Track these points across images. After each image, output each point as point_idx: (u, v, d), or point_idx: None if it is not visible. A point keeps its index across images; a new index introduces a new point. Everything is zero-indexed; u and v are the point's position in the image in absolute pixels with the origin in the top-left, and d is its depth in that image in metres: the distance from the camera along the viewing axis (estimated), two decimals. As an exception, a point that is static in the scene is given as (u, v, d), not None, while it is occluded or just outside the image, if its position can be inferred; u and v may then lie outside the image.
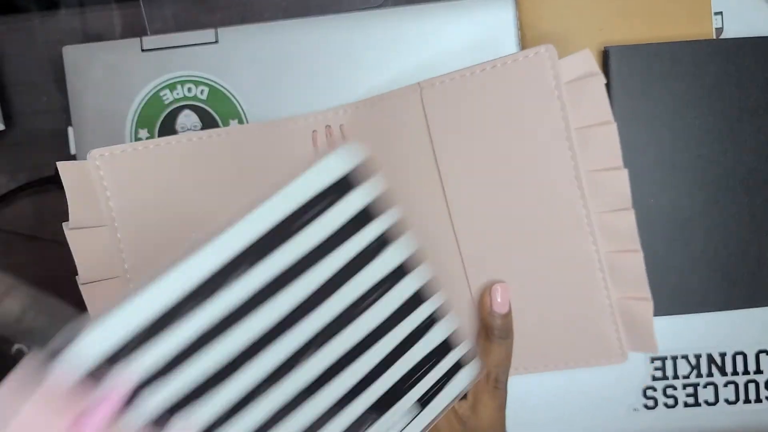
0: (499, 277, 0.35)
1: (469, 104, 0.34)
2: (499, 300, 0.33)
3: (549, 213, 0.33)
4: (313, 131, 0.37)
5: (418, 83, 0.35)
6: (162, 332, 0.18)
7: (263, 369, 0.21)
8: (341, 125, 0.37)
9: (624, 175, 0.32)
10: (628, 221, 0.33)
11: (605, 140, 0.32)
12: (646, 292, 0.33)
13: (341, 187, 0.23)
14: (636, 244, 0.33)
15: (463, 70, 0.33)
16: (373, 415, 0.25)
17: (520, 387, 0.40)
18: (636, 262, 0.33)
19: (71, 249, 0.31)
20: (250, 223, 0.20)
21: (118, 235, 0.33)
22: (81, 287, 0.32)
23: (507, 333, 0.33)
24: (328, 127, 0.37)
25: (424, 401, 0.27)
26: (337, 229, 0.23)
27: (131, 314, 0.18)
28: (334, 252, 0.22)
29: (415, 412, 0.27)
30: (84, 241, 0.32)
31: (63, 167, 0.31)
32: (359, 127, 0.37)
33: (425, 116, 0.34)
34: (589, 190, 0.33)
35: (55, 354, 0.17)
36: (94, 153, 0.33)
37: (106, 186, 0.33)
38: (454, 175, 0.34)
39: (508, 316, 0.33)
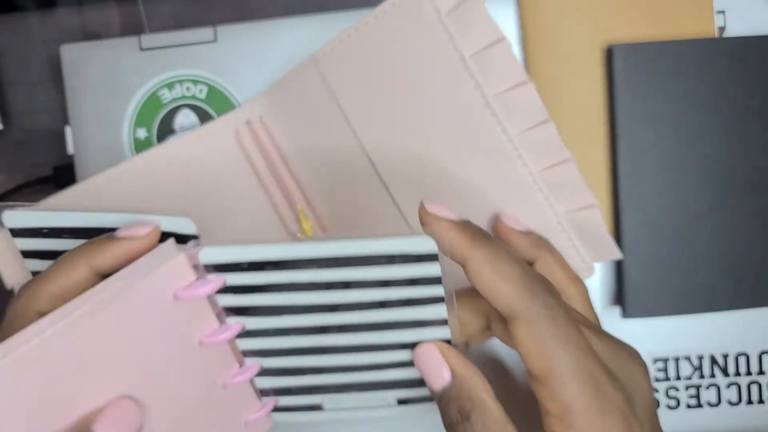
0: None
1: (365, 61, 0.34)
2: (516, 224, 0.32)
3: (471, 147, 0.33)
4: (236, 130, 0.37)
5: (312, 56, 0.35)
6: (256, 272, 0.25)
7: (306, 322, 0.27)
8: (260, 117, 0.37)
9: (531, 88, 0.32)
10: (549, 133, 0.32)
11: (502, 59, 0.32)
12: (591, 198, 0.33)
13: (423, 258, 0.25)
14: (564, 153, 0.32)
15: (348, 29, 0.34)
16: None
17: (519, 385, 0.40)
18: (570, 172, 0.32)
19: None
20: (351, 244, 0.25)
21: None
22: None
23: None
24: (248, 122, 0.37)
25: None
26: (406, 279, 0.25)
27: (244, 251, 0.24)
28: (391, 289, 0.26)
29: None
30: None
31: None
32: (276, 114, 0.37)
33: (328, 86, 0.35)
34: (502, 114, 0.32)
35: (189, 248, 0.24)
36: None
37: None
38: (371, 135, 0.35)
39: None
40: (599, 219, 0.33)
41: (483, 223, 0.34)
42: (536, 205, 0.33)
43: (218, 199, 0.36)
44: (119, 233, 0.25)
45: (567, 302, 0.28)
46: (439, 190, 0.34)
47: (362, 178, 0.35)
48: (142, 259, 0.24)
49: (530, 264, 0.31)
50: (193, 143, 0.36)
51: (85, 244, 0.26)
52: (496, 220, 0.33)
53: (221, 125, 0.37)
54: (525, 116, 0.32)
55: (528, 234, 0.32)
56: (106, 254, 0.25)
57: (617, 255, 0.33)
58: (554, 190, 0.33)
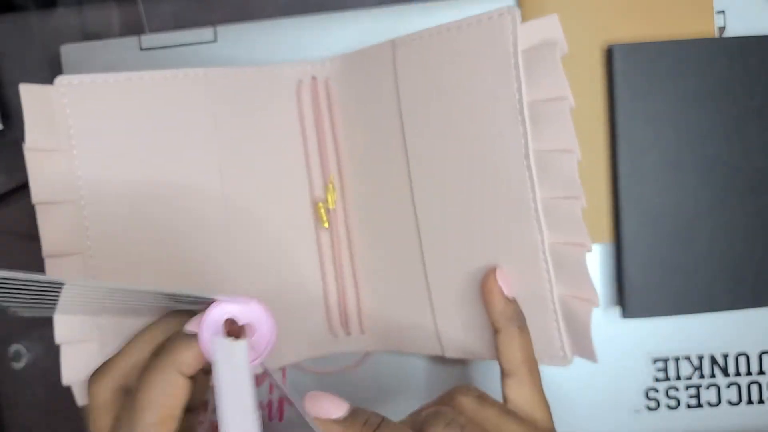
0: (451, 254, 0.33)
1: (436, 67, 0.32)
2: (506, 286, 0.31)
3: (496, 192, 0.31)
4: (299, 81, 0.36)
5: (392, 41, 0.34)
6: None
7: None
8: (327, 79, 0.37)
9: (573, 159, 0.29)
10: (574, 211, 0.30)
11: (558, 118, 0.29)
12: (591, 292, 0.30)
13: None
14: (583, 236, 0.30)
15: (436, 27, 0.32)
16: None
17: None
18: (580, 257, 0.30)
19: (28, 170, 0.31)
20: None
21: (76, 162, 0.32)
22: (37, 209, 0.31)
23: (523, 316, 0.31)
24: (314, 78, 0.37)
25: None
26: None
27: None
28: None
29: None
30: (41, 164, 0.31)
31: (25, 89, 0.31)
32: (342, 83, 0.36)
33: (396, 77, 0.34)
34: (537, 173, 0.30)
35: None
36: (61, 79, 0.32)
37: (68, 113, 0.32)
38: (416, 137, 0.34)
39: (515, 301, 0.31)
40: (589, 316, 0.30)
41: (476, 270, 0.33)
42: (536, 275, 0.31)
43: (256, 137, 0.36)
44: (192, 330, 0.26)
45: (515, 385, 0.30)
46: (457, 219, 0.33)
47: (394, 175, 0.35)
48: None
49: (495, 331, 0.31)
50: (248, 79, 0.36)
51: (167, 343, 0.26)
52: (489, 271, 0.31)
53: (287, 71, 0.36)
54: (558, 184, 0.30)
55: (509, 302, 0.31)
56: (187, 353, 0.25)
57: (593, 359, 0.31)
58: (558, 267, 0.31)
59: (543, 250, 0.31)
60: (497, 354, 0.30)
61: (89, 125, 0.32)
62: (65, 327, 0.32)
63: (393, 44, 0.34)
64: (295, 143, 0.37)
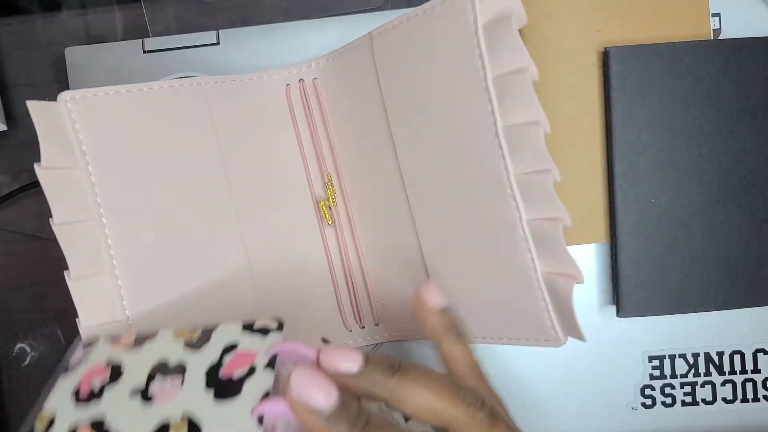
0: (441, 240, 0.34)
1: (409, 52, 0.32)
2: (433, 298, 0.29)
3: (472, 173, 0.31)
4: (287, 85, 0.37)
5: (370, 33, 0.34)
6: None
7: None
8: (314, 79, 0.37)
9: (540, 131, 0.28)
10: (547, 184, 0.29)
11: (522, 90, 0.28)
12: (572, 267, 0.29)
13: None
14: (558, 209, 0.29)
15: (406, 14, 0.32)
16: None
17: (517, 385, 0.41)
18: (556, 231, 0.29)
19: (44, 190, 0.30)
20: None
21: (92, 179, 0.32)
22: (56, 230, 0.31)
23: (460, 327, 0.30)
24: (301, 81, 0.37)
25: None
26: None
27: None
28: None
29: None
30: (58, 183, 0.31)
31: (34, 106, 0.30)
32: (328, 81, 0.37)
33: (375, 67, 0.34)
34: (508, 149, 0.29)
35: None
36: (64, 95, 0.32)
37: (78, 129, 0.32)
38: (400, 126, 0.34)
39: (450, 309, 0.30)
40: (570, 293, 0.29)
41: (458, 252, 0.33)
42: (520, 255, 0.30)
43: (252, 146, 0.37)
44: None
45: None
46: (442, 211, 0.33)
47: (385, 166, 0.35)
48: None
49: (438, 345, 0.29)
50: (240, 87, 0.36)
51: None
52: (416, 291, 0.30)
53: (275, 77, 0.37)
54: (528, 158, 0.29)
55: (441, 313, 0.29)
56: None
57: (581, 337, 0.30)
58: (539, 243, 0.30)
59: (522, 228, 0.30)
60: (444, 364, 0.30)
61: (100, 140, 0.32)
62: (76, 263, 0.31)
63: (370, 36, 0.34)
64: (291, 146, 0.38)
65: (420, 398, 0.25)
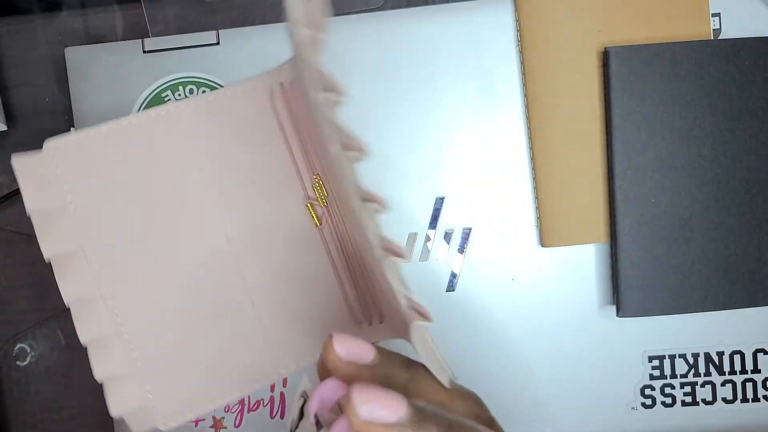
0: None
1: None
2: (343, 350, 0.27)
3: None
4: (271, 91, 0.37)
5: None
6: None
7: None
8: (291, 82, 0.37)
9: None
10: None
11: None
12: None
13: None
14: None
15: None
16: None
17: (516, 385, 0.41)
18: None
19: (35, 230, 0.31)
20: None
21: (76, 216, 0.32)
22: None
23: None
24: (282, 84, 0.37)
25: None
26: None
27: None
28: None
29: None
30: (46, 223, 0.32)
31: (18, 162, 0.31)
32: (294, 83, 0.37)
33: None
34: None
35: None
36: (48, 144, 0.32)
37: (59, 173, 0.32)
38: None
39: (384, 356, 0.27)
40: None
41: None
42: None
43: (243, 152, 0.37)
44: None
45: None
46: None
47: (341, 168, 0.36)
48: None
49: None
50: (227, 96, 0.36)
51: None
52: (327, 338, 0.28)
53: (258, 85, 0.37)
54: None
55: (349, 366, 0.27)
56: None
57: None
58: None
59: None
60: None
61: (84, 181, 0.32)
62: (103, 362, 0.31)
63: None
64: (282, 152, 0.38)
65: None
